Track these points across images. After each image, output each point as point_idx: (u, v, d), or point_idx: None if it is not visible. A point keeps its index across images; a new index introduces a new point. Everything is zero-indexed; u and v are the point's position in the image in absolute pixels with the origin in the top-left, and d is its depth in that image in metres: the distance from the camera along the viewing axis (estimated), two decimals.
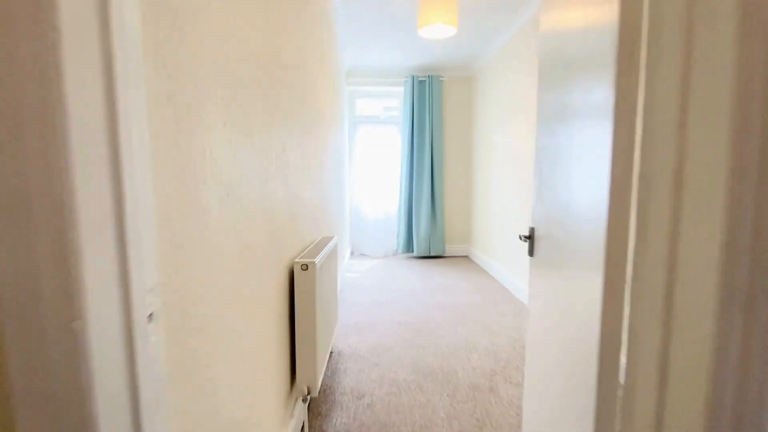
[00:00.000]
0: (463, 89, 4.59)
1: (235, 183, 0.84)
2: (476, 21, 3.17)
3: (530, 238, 1.15)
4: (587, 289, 0.79)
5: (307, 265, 1.36)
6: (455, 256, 4.74)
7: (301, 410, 1.49)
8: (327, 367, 1.96)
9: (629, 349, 0.67)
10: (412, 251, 4.66)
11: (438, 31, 2.65)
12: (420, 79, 4.44)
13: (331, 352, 2.12)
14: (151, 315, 0.48)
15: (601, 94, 0.75)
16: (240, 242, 0.87)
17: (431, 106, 4.44)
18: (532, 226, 1.16)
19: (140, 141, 0.45)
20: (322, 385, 1.80)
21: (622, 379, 0.71)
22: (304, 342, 1.39)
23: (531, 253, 1.15)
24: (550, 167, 1.03)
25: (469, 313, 2.73)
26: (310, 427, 1.50)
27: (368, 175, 4.84)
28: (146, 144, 0.47)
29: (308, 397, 1.45)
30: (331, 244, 1.82)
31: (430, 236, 4.56)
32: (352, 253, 4.88)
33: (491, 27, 3.29)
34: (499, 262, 3.62)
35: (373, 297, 3.12)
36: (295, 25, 1.57)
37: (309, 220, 1.80)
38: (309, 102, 1.84)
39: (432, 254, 4.59)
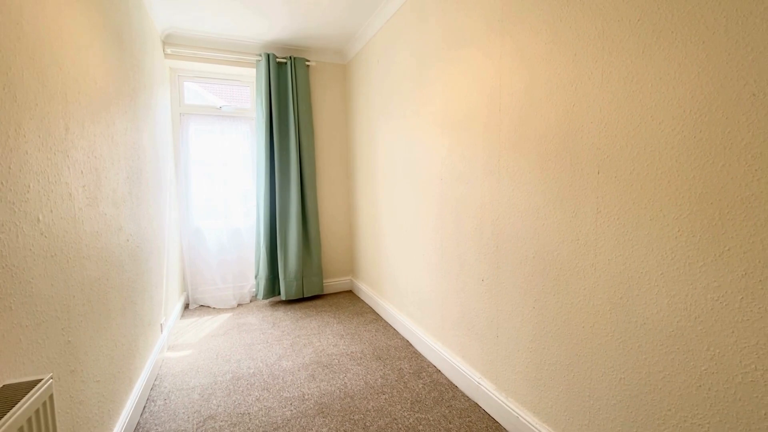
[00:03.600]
0: (337, 79, 3.60)
1: None
2: None
3: None
4: None
5: None
6: (336, 293, 3.68)
7: None
8: None
9: None
10: (279, 294, 3.41)
11: None
12: (279, 59, 3.26)
13: None
14: None
15: None
16: None
17: (296, 98, 3.30)
18: None
19: None
20: None
21: None
22: None
23: None
24: None
25: (372, 415, 1.71)
26: None
27: (210, 191, 3.38)
28: None
29: None
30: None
31: (303, 271, 3.39)
32: (186, 307, 3.33)
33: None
34: (398, 307, 2.72)
35: (206, 407, 1.81)
36: None
37: None
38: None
39: (306, 295, 3.43)
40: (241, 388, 1.97)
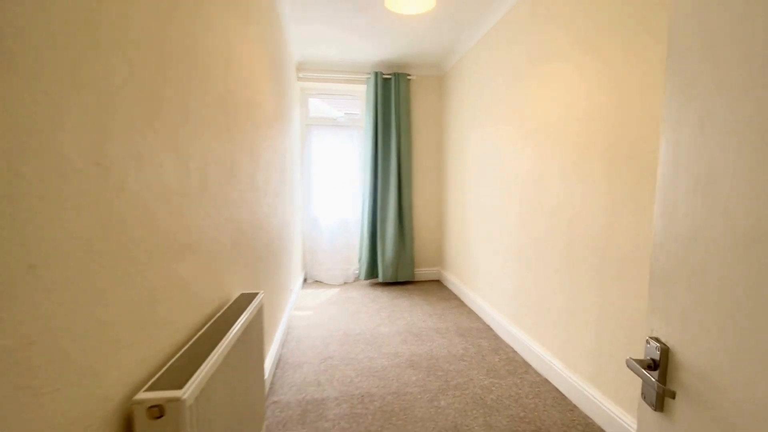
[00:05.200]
0: (434, 90, 4.01)
1: None
2: (449, 4, 2.58)
3: (658, 367, 0.50)
4: None
5: (161, 408, 0.63)
6: (425, 281, 4.12)
7: None
8: None
9: None
10: (377, 277, 3.98)
11: (412, 3, 2.02)
12: (385, 76, 3.81)
13: None
14: None
15: None
16: None
17: (398, 108, 3.81)
18: (656, 336, 0.52)
19: None
20: None
21: None
22: None
23: (660, 406, 0.50)
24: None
25: (452, 374, 2.09)
26: None
27: (326, 188, 4.11)
28: None
29: None
30: (243, 319, 1.09)
31: (398, 259, 3.90)
32: (305, 281, 4.10)
33: (467, 16, 2.73)
34: (481, 295, 3.03)
35: (325, 350, 2.39)
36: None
37: (202, 280, 1.06)
38: (221, 94, 1.12)
39: (400, 280, 3.93)
40: (350, 342, 2.52)
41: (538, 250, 2.15)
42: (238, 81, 1.46)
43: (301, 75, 3.75)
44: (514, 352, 2.36)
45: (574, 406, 1.78)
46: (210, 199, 1.10)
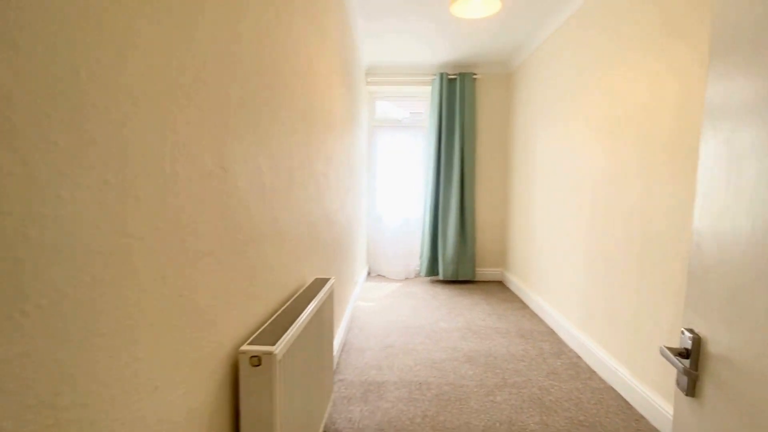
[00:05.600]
0: (500, 89, 3.96)
1: None
2: (515, 4, 2.56)
3: (690, 355, 0.55)
4: None
5: (259, 358, 0.81)
6: (487, 281, 4.09)
7: None
8: None
9: None
10: (437, 274, 4.05)
11: (477, 6, 2.07)
12: (450, 76, 3.85)
13: None
14: None
15: None
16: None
17: (462, 108, 3.84)
18: (689, 328, 0.56)
19: None
20: None
21: None
22: None
23: (691, 391, 0.54)
24: None
25: (510, 372, 2.10)
26: None
27: (389, 186, 4.28)
28: None
29: None
30: (318, 298, 1.27)
31: (459, 257, 3.93)
32: (368, 274, 4.32)
33: (535, 15, 2.68)
34: (544, 297, 2.95)
35: (386, 339, 2.55)
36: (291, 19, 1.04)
37: (286, 263, 1.25)
38: (302, 106, 1.31)
39: (460, 278, 3.96)
40: (409, 334, 2.64)
41: (608, 254, 2.07)
42: (316, 93, 1.65)
43: (369, 79, 3.95)
44: (578, 357, 2.29)
45: (641, 417, 1.71)
46: (293, 195, 1.29)
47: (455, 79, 3.85)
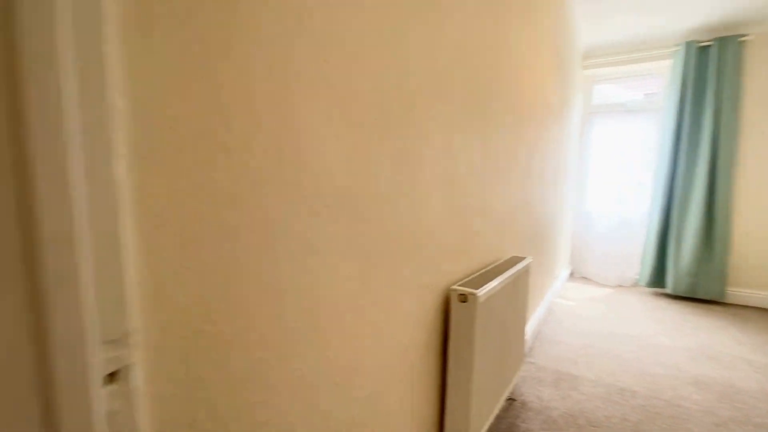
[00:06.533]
0: None
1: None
2: None
3: None
4: None
5: (466, 297, 1.07)
6: (744, 306, 3.12)
7: None
8: (501, 420, 1.58)
9: None
10: (664, 286, 3.38)
11: None
12: (701, 44, 3.10)
13: (512, 399, 1.71)
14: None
15: None
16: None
17: (719, 82, 3.03)
18: None
19: None
20: None
21: None
22: (456, 388, 1.11)
23: None
24: None
25: (759, 411, 1.65)
26: None
27: (604, 181, 3.84)
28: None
29: None
30: (515, 270, 1.43)
31: (699, 270, 3.16)
32: (571, 275, 4.03)
33: None
34: None
35: (586, 339, 2.41)
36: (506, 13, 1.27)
37: (490, 236, 1.47)
38: (512, 99, 1.50)
39: (699, 296, 3.18)
40: (615, 340, 2.40)
41: None
42: (525, 86, 1.78)
43: (586, 63, 3.65)
44: None
45: None
46: (498, 179, 1.50)
47: (709, 46, 3.07)
